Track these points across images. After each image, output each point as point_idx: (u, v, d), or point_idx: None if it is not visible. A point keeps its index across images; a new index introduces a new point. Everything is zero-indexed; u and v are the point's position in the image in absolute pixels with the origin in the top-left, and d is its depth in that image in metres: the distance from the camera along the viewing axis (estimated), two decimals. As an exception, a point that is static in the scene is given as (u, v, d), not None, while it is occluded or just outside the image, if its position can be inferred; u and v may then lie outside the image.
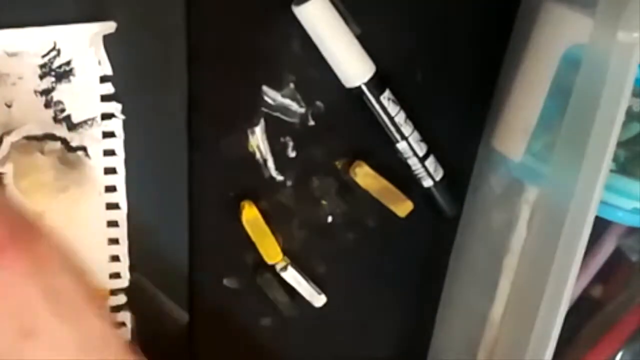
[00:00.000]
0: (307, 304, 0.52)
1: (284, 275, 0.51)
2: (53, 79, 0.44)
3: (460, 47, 0.49)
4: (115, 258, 0.48)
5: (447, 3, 0.48)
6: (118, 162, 0.46)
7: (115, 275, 0.48)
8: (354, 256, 0.52)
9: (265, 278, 0.51)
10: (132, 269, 0.48)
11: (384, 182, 0.49)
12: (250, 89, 0.47)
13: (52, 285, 0.37)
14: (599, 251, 0.48)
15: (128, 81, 0.45)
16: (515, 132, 0.45)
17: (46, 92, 0.44)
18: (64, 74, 0.44)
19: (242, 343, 0.53)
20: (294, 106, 0.48)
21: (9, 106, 0.44)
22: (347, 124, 0.49)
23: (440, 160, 0.49)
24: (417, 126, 0.48)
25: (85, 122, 0.45)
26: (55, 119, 0.45)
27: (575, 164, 0.39)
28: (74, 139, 0.45)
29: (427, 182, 0.49)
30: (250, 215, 0.49)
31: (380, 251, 0.52)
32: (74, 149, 0.45)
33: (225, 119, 0.48)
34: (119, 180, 0.46)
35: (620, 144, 0.40)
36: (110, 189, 0.46)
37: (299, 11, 0.45)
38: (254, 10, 0.46)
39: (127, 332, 0.49)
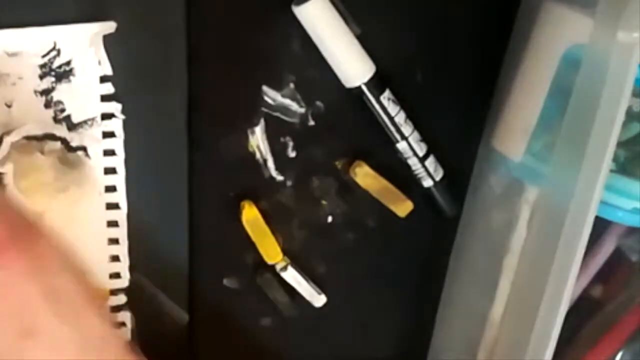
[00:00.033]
0: (307, 304, 0.52)
1: (284, 275, 0.51)
2: (53, 79, 0.44)
3: (460, 47, 0.49)
4: (115, 258, 0.48)
5: (447, 3, 0.48)
6: (118, 162, 0.46)
7: (115, 275, 0.48)
8: (354, 256, 0.52)
9: (265, 278, 0.51)
10: (132, 269, 0.48)
11: (384, 182, 0.49)
12: (250, 89, 0.47)
13: (52, 285, 0.37)
14: (599, 251, 0.48)
15: (128, 81, 0.45)
16: (515, 132, 0.45)
17: (46, 92, 0.44)
18: (64, 74, 0.44)
19: (242, 343, 0.53)
20: (294, 106, 0.48)
21: (9, 106, 0.44)
22: (347, 124, 0.49)
23: (440, 160, 0.49)
24: (417, 126, 0.48)
25: (85, 122, 0.45)
26: (55, 119, 0.45)
27: (575, 164, 0.39)
28: (74, 139, 0.45)
29: (427, 182, 0.49)
30: (250, 215, 0.49)
31: (380, 251, 0.52)
32: (74, 149, 0.45)
33: (225, 119, 0.48)
34: (119, 180, 0.46)
35: (620, 144, 0.40)
36: (110, 189, 0.46)
37: (299, 11, 0.45)
38: (254, 10, 0.46)
39: (127, 332, 0.49)
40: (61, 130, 0.45)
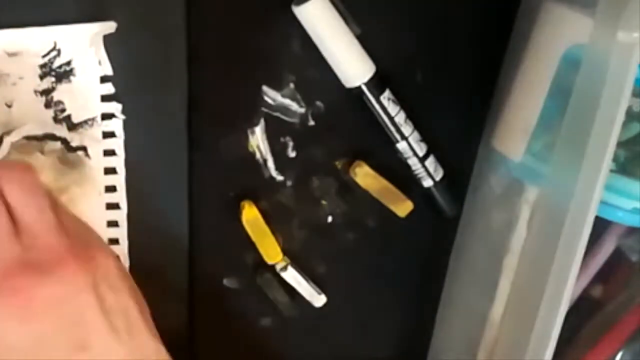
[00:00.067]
0: (307, 304, 0.52)
1: (284, 275, 0.51)
2: (53, 79, 0.44)
3: (460, 47, 0.49)
4: (116, 258, 0.48)
5: (447, 3, 0.48)
6: (118, 162, 0.46)
7: (115, 275, 0.48)
8: (354, 256, 0.52)
9: (265, 278, 0.51)
10: (132, 268, 0.48)
11: (384, 182, 0.49)
12: (250, 89, 0.47)
13: (108, 301, 0.38)
14: (599, 251, 0.48)
15: (128, 81, 0.45)
16: (515, 132, 0.45)
17: (46, 92, 0.44)
18: (64, 74, 0.44)
19: (242, 343, 0.53)
20: (294, 106, 0.48)
21: (9, 106, 0.44)
22: (347, 124, 0.49)
23: (440, 160, 0.49)
24: (417, 126, 0.48)
25: (85, 122, 0.45)
26: (56, 119, 0.45)
27: (575, 164, 0.39)
28: (74, 139, 0.45)
29: (427, 182, 0.49)
30: (250, 215, 0.49)
31: (380, 251, 0.52)
32: (74, 149, 0.45)
33: (225, 119, 0.48)
34: (119, 180, 0.46)
35: (620, 144, 0.40)
36: (110, 189, 0.46)
37: (299, 11, 0.45)
38: (254, 10, 0.46)
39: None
40: (61, 130, 0.45)
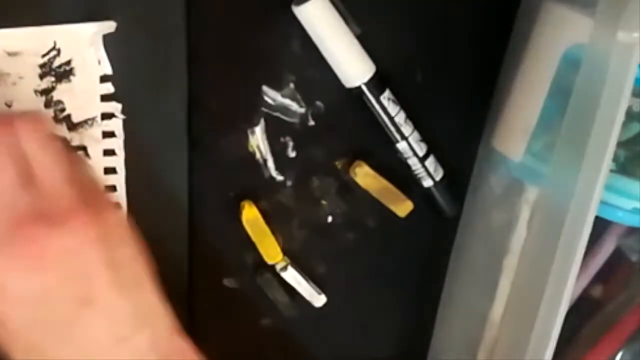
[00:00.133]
0: (307, 304, 0.52)
1: (284, 275, 0.51)
2: (53, 78, 0.44)
3: (460, 47, 0.49)
4: (115, 258, 0.48)
5: (447, 3, 0.48)
6: (118, 162, 0.46)
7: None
8: (354, 256, 0.52)
9: (265, 278, 0.51)
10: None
11: (384, 182, 0.49)
12: (250, 89, 0.47)
13: (116, 255, 0.38)
14: (599, 251, 0.48)
15: (128, 81, 0.45)
16: (515, 132, 0.45)
17: (46, 91, 0.44)
18: (64, 74, 0.44)
19: (242, 343, 0.53)
20: (294, 106, 0.48)
21: (9, 106, 0.44)
22: (347, 124, 0.49)
23: (440, 160, 0.49)
24: (417, 126, 0.48)
25: (85, 122, 0.45)
26: (55, 119, 0.45)
27: (575, 164, 0.39)
28: (74, 139, 0.45)
29: (427, 182, 0.49)
30: (250, 215, 0.49)
31: (380, 251, 0.52)
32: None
33: (225, 119, 0.48)
34: (119, 180, 0.46)
35: (620, 144, 0.40)
36: (110, 188, 0.46)
37: (299, 11, 0.45)
38: (254, 10, 0.46)
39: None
40: (61, 130, 0.45)
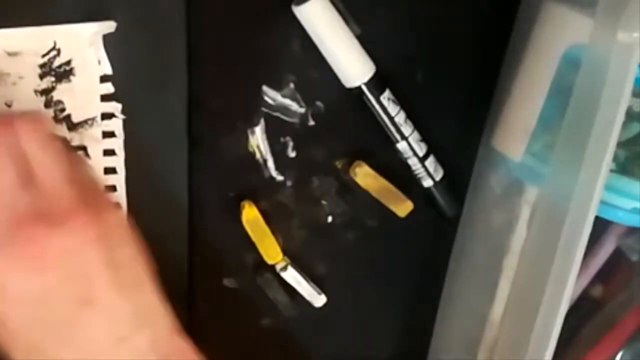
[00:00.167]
0: (307, 304, 0.52)
1: (284, 275, 0.51)
2: (53, 78, 0.44)
3: (460, 47, 0.49)
4: (115, 258, 0.48)
5: (447, 3, 0.48)
6: (118, 162, 0.46)
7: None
8: (354, 256, 0.52)
9: (265, 278, 0.51)
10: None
11: (384, 182, 0.49)
12: (250, 89, 0.47)
13: (116, 255, 0.38)
14: (599, 251, 0.48)
15: (128, 81, 0.45)
16: (515, 132, 0.45)
17: (46, 91, 0.44)
18: (64, 74, 0.44)
19: (242, 343, 0.53)
20: (294, 106, 0.48)
21: (8, 106, 0.44)
22: (347, 124, 0.49)
23: (440, 160, 0.49)
24: (417, 126, 0.48)
25: (85, 122, 0.45)
26: (55, 119, 0.45)
27: (575, 164, 0.39)
28: (74, 139, 0.45)
29: (427, 182, 0.49)
30: (250, 215, 0.49)
31: (380, 251, 0.52)
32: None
33: (225, 119, 0.48)
34: (119, 180, 0.46)
35: (620, 144, 0.40)
36: (110, 188, 0.46)
37: (299, 11, 0.45)
38: (254, 10, 0.46)
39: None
40: (61, 130, 0.45)
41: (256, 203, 0.49)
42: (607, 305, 0.50)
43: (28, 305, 0.36)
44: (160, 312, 0.39)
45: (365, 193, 0.50)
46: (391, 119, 0.47)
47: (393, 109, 0.47)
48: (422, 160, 0.48)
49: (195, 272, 0.50)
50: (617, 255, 0.49)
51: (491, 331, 0.48)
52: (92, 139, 0.45)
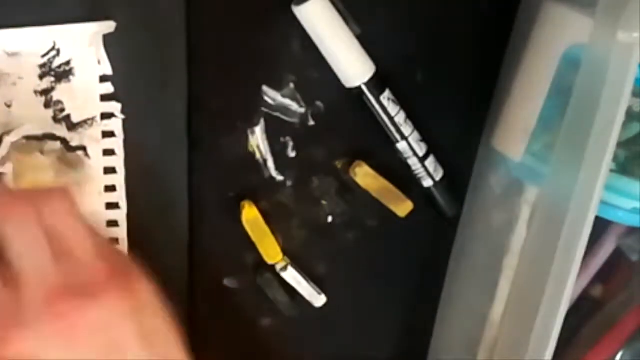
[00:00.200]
0: (307, 304, 0.52)
1: (284, 275, 0.51)
2: (53, 78, 0.44)
3: (460, 47, 0.49)
4: (115, 258, 0.48)
5: (447, 3, 0.48)
6: (118, 162, 0.46)
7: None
8: (354, 256, 0.52)
9: (265, 278, 0.51)
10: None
11: (384, 182, 0.49)
12: (250, 89, 0.47)
13: (148, 327, 0.38)
14: (599, 251, 0.48)
15: (128, 81, 0.45)
16: (515, 132, 0.45)
17: (46, 92, 0.44)
18: (63, 74, 0.44)
19: (242, 343, 0.53)
20: (294, 106, 0.48)
21: (9, 106, 0.44)
22: (347, 124, 0.49)
23: (440, 160, 0.49)
24: (417, 126, 0.48)
25: (85, 122, 0.45)
26: (55, 119, 0.45)
27: (575, 164, 0.39)
28: (74, 139, 0.45)
29: (427, 182, 0.49)
30: (250, 215, 0.49)
31: (380, 251, 0.52)
32: (73, 149, 0.45)
33: (225, 119, 0.48)
34: (119, 180, 0.46)
35: (620, 144, 0.40)
36: (110, 188, 0.46)
37: (299, 11, 0.45)
38: (254, 10, 0.46)
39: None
40: (61, 130, 0.45)
41: (256, 203, 0.49)
42: (607, 305, 0.50)
43: None
44: None
45: (365, 193, 0.50)
46: (391, 119, 0.47)
47: (393, 109, 0.47)
48: (422, 160, 0.48)
49: (195, 272, 0.50)
50: (617, 255, 0.49)
51: (491, 331, 0.48)
52: (92, 139, 0.45)
